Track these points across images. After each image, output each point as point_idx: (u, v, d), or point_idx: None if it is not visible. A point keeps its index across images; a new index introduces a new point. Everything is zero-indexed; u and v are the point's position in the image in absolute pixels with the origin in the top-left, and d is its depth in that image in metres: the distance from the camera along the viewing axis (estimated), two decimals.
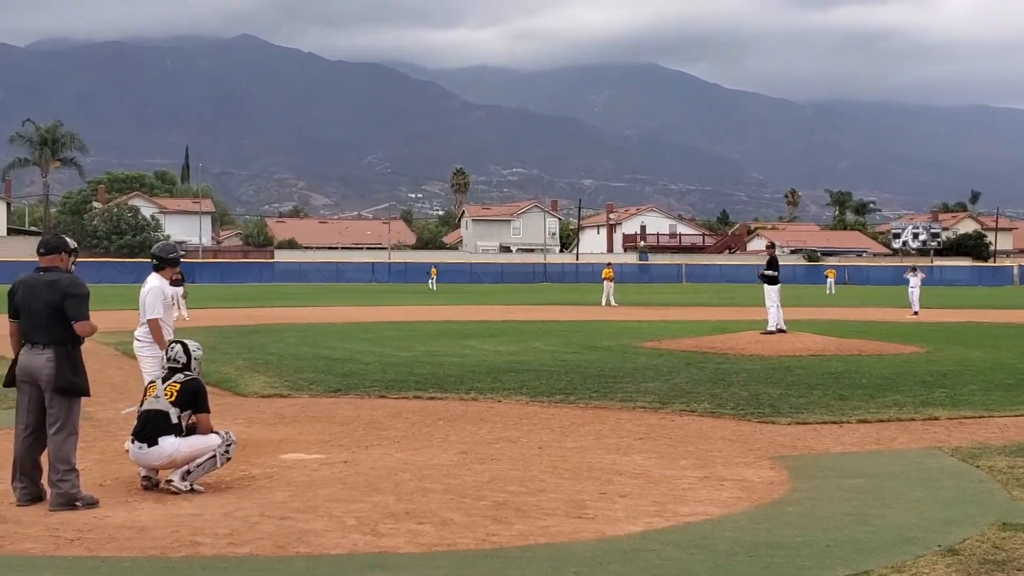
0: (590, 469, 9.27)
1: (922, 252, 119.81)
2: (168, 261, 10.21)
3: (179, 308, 29.17)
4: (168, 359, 8.70)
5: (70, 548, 6.67)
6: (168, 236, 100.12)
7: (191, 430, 8.45)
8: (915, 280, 39.52)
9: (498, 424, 11.94)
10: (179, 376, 8.54)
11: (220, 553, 6.52)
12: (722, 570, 6.17)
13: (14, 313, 8.08)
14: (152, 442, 8.23)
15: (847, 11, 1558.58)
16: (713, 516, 7.57)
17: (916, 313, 37.69)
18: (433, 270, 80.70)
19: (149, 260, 10.38)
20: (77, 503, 7.71)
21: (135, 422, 8.49)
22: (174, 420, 8.33)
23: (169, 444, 8.23)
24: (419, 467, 9.29)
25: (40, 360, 7.85)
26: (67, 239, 8.40)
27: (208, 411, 8.58)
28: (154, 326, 9.97)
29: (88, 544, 6.74)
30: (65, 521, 7.32)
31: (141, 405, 8.52)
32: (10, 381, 8.10)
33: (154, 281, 10.04)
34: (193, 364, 8.70)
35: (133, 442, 8.34)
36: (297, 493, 8.19)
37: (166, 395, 8.40)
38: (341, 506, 7.74)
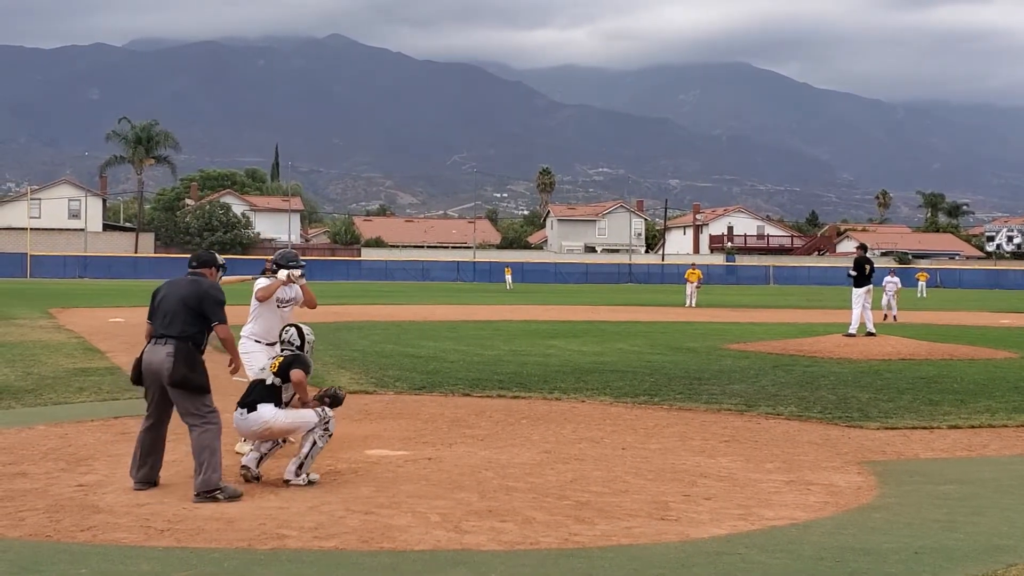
0: (674, 471, 9.22)
1: (1016, 255, 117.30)
2: (282, 267, 10.29)
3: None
4: (283, 341, 8.91)
5: (160, 539, 6.79)
6: (258, 233, 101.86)
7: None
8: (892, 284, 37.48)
9: (581, 424, 11.92)
10: (287, 353, 8.72)
11: (306, 546, 6.61)
12: (808, 575, 6.10)
13: (151, 314, 8.36)
14: (252, 408, 8.39)
15: (943, 11, 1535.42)
16: (799, 520, 7.49)
17: (893, 318, 35.77)
18: (508, 270, 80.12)
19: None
20: (217, 494, 7.82)
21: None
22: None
23: (268, 411, 8.38)
24: (502, 465, 9.32)
25: (161, 354, 8.09)
26: (217, 255, 8.89)
27: (304, 370, 8.64)
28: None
29: (177, 535, 6.87)
30: (155, 512, 7.46)
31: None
32: (136, 378, 8.37)
33: (262, 281, 10.26)
34: (306, 347, 8.91)
35: (237, 409, 8.51)
36: (382, 489, 8.26)
37: (271, 368, 8.59)
38: (425, 503, 7.79)
